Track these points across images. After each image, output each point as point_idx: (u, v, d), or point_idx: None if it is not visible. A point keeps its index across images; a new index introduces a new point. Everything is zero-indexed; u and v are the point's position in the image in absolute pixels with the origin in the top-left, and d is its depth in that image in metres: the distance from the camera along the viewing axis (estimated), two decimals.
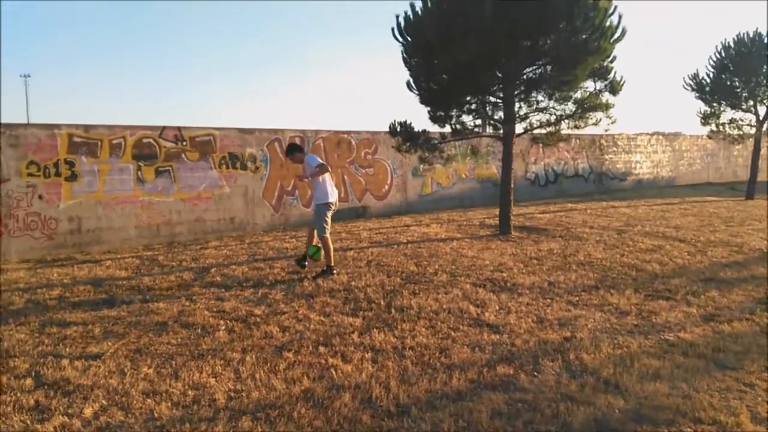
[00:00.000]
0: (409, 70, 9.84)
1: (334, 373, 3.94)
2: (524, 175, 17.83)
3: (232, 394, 3.64)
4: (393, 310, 5.46)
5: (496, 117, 9.74)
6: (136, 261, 8.54)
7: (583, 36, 7.82)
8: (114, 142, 9.96)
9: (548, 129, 9.50)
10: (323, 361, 4.17)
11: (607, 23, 7.99)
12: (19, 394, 3.63)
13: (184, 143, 10.69)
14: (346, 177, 13.18)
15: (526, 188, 17.69)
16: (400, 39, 9.69)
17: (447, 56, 8.48)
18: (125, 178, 10.13)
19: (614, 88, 8.71)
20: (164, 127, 10.50)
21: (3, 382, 3.84)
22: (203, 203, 11.00)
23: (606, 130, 9.41)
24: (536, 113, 9.36)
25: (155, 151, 10.39)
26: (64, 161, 9.49)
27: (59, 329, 5.09)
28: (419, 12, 9.22)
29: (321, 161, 7.05)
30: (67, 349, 4.53)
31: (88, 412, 3.38)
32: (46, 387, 3.77)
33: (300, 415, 3.32)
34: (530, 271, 7.07)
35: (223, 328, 5.04)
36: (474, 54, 7.91)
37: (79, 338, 4.83)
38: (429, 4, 8.95)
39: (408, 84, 9.72)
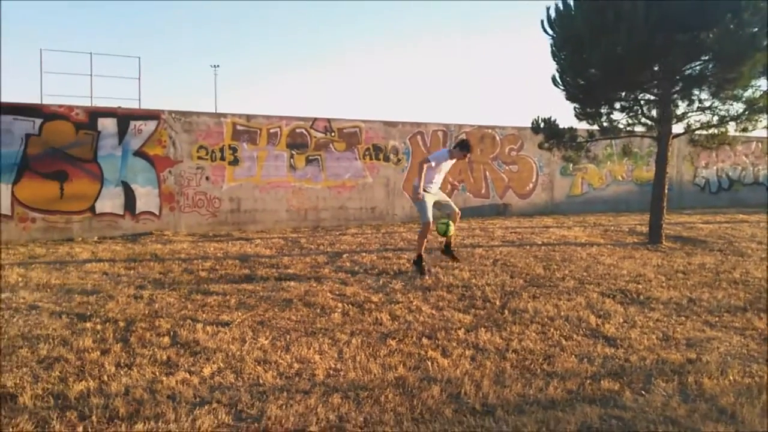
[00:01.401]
0: (557, 64, 9.46)
1: (430, 365, 4.00)
2: (692, 180, 16.30)
3: (331, 372, 3.87)
4: (506, 312, 5.37)
5: (650, 115, 9.02)
6: (281, 242, 9.28)
7: (753, 30, 6.92)
8: (271, 131, 10.87)
9: (710, 131, 8.57)
10: (423, 353, 4.25)
11: None
12: (156, 350, 4.19)
13: (333, 134, 11.33)
14: (487, 173, 13.04)
15: (694, 195, 16.16)
16: (549, 32, 9.37)
17: (596, 50, 8.02)
18: (279, 164, 11.01)
19: None
20: (315, 119, 11.22)
21: (146, 338, 4.45)
22: (347, 192, 11.58)
23: None
24: (697, 113, 8.50)
25: (306, 140, 11.15)
26: (228, 147, 10.57)
27: (202, 297, 5.74)
28: (570, 3, 8.83)
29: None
30: (204, 315, 5.11)
31: (206, 371, 3.81)
32: (178, 346, 4.30)
33: (387, 399, 3.44)
34: (671, 285, 6.50)
35: (340, 310, 5.33)
36: (625, 48, 7.40)
37: (216, 306, 5.42)
38: None
39: (553, 79, 9.35)
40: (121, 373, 3.75)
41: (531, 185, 13.79)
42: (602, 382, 3.78)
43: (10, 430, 2.99)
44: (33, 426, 3.03)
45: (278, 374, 3.82)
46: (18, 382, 3.56)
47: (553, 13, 9.24)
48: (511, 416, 3.28)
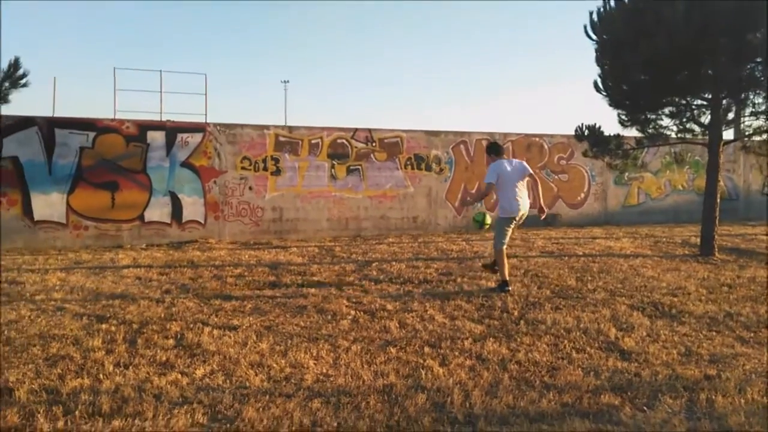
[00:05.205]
0: (601, 69, 9.13)
1: (423, 373, 3.90)
2: (761, 190, 15.28)
3: (321, 377, 3.84)
4: (522, 323, 5.17)
5: (700, 121, 8.52)
6: (315, 250, 9.37)
7: None
8: (312, 142, 11.05)
9: (764, 136, 8.00)
10: (421, 361, 4.15)
11: None
12: (158, 351, 4.30)
13: (374, 144, 11.39)
14: None
15: (763, 206, 15.12)
16: (593, 37, 9.06)
17: (637, 55, 7.69)
18: (321, 174, 11.16)
19: None
20: (356, 129, 11.32)
21: (153, 340, 4.58)
22: (388, 201, 11.58)
23: None
24: (750, 118, 7.97)
25: (347, 150, 11.26)
26: (271, 157, 10.81)
27: (221, 302, 5.86)
28: (612, 6, 8.52)
29: (490, 180, 6.42)
30: (216, 319, 5.21)
31: (199, 373, 3.87)
32: (180, 348, 4.40)
33: (367, 405, 3.37)
34: (712, 299, 6.08)
35: (350, 317, 5.30)
36: (664, 53, 7.04)
37: (231, 311, 5.51)
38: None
39: (595, 84, 9.02)
40: (117, 372, 3.87)
41: (582, 195, 13.32)
42: (602, 396, 3.57)
43: None
44: (19, 418, 3.17)
45: (267, 378, 3.82)
46: (20, 377, 3.74)
47: (595, 17, 8.95)
48: (494, 427, 3.14)
